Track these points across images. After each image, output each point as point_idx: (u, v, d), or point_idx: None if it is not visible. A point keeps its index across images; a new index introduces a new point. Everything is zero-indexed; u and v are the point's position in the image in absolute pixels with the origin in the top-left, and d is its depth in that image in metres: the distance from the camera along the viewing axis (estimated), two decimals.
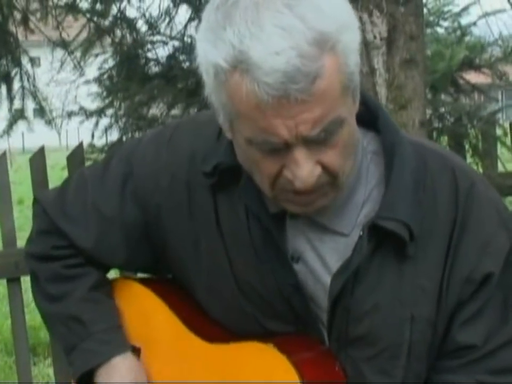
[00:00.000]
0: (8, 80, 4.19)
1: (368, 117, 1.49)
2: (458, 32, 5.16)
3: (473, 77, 4.75)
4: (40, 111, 4.45)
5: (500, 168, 4.19)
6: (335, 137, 1.31)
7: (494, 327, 1.44)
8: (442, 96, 4.68)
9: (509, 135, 4.06)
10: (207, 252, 1.54)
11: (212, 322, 1.59)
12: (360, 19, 2.88)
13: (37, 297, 1.74)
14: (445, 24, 5.39)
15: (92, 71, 4.33)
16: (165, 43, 4.27)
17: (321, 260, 1.47)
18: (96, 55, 4.37)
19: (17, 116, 4.27)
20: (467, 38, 5.21)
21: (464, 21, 5.32)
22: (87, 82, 4.31)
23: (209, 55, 1.29)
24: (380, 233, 1.41)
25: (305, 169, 1.31)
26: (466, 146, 4.17)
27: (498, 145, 4.15)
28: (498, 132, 4.18)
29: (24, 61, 4.38)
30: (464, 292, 1.43)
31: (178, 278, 1.64)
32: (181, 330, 1.60)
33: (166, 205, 1.57)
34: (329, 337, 1.48)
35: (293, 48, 1.23)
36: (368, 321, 1.44)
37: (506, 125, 4.18)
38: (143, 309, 1.69)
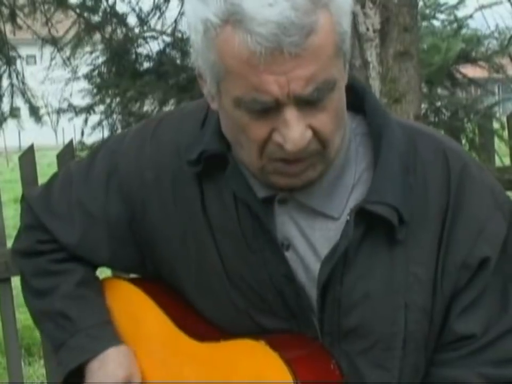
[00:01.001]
0: None
1: (356, 100, 1.46)
2: (455, 25, 5.15)
3: (469, 71, 4.74)
4: (31, 109, 4.42)
5: (498, 162, 4.16)
6: (327, 100, 1.30)
7: (493, 315, 1.41)
8: (439, 90, 4.66)
9: (506, 129, 4.03)
10: (195, 246, 1.52)
11: (203, 321, 1.57)
12: (353, 11, 2.84)
13: (25, 294, 1.73)
14: (441, 16, 5.39)
15: (82, 67, 4.30)
16: (156, 38, 4.25)
17: (311, 247, 1.44)
18: (87, 52, 4.33)
19: (7, 114, 4.24)
20: (463, 31, 5.21)
21: (460, 13, 5.33)
22: (77, 78, 4.28)
23: (199, 12, 1.27)
24: (368, 218, 1.38)
25: (296, 130, 1.29)
26: (463, 141, 4.16)
27: (496, 139, 4.12)
28: (496, 125, 4.15)
29: (15, 58, 4.36)
30: (461, 279, 1.40)
31: (167, 277, 1.61)
32: (171, 330, 1.58)
33: (151, 200, 1.55)
34: (321, 331, 1.45)
35: (286, 0, 1.21)
36: (359, 311, 1.41)
37: (504, 119, 4.14)
38: (133, 309, 1.67)
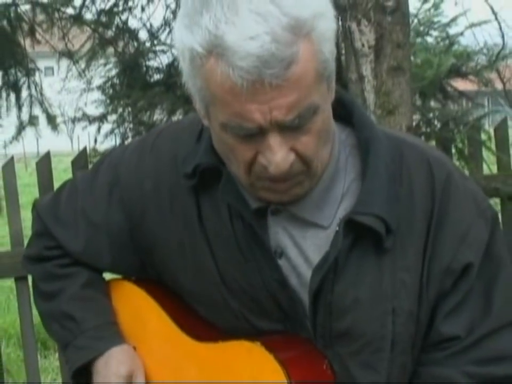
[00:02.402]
0: (16, 89, 4.16)
1: (345, 113, 1.45)
2: (447, 42, 5.14)
3: (460, 84, 4.73)
4: (48, 118, 4.42)
5: (486, 170, 4.14)
6: (309, 124, 1.27)
7: (476, 317, 1.40)
8: (432, 103, 4.64)
9: (493, 139, 4.02)
10: (192, 254, 1.50)
11: (202, 322, 1.56)
12: (349, 28, 2.85)
13: (34, 297, 1.73)
14: (434, 33, 5.38)
15: (96, 79, 4.30)
16: (165, 52, 4.24)
17: (303, 255, 1.43)
18: (101, 65, 4.33)
19: (26, 122, 4.24)
20: (454, 47, 5.19)
21: (452, 31, 5.33)
22: (91, 89, 4.27)
23: (185, 40, 1.25)
24: (356, 228, 1.36)
25: (279, 155, 1.27)
26: (453, 150, 4.14)
27: (483, 149, 4.10)
28: (484, 136, 4.13)
29: (34, 70, 4.37)
30: (445, 283, 1.39)
31: (167, 281, 1.60)
32: (173, 330, 1.57)
33: (150, 210, 1.53)
34: (314, 334, 1.43)
35: (267, 33, 1.19)
36: (350, 316, 1.40)
37: (491, 130, 4.13)
38: (136, 309, 1.66)
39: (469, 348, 1.40)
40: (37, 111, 4.27)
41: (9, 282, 3.41)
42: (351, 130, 1.47)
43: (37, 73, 4.27)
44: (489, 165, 4.24)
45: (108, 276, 1.73)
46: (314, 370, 1.43)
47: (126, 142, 3.99)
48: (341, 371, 1.43)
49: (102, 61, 4.34)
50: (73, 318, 1.62)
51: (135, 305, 1.66)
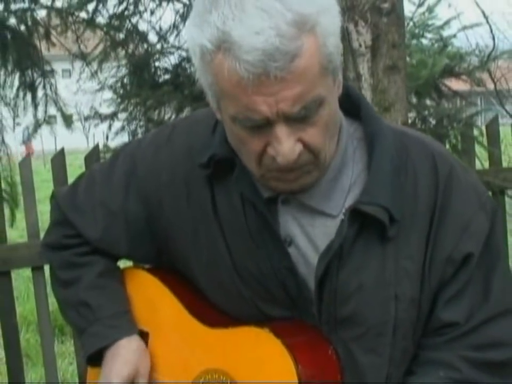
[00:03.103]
0: (32, 89, 4.19)
1: (353, 108, 1.45)
2: (441, 43, 5.15)
3: (453, 84, 4.73)
4: (63, 117, 4.45)
5: (478, 166, 4.15)
6: (315, 116, 1.27)
7: (475, 305, 1.40)
8: (427, 101, 4.65)
9: (485, 136, 4.03)
10: (206, 241, 1.50)
11: (213, 308, 1.56)
12: (347, 29, 2.86)
13: (52, 284, 1.72)
14: (429, 35, 5.40)
15: (108, 79, 4.32)
16: (173, 53, 4.26)
17: (311, 243, 1.43)
18: (113, 66, 4.36)
19: (42, 121, 4.27)
20: (448, 49, 5.20)
21: (445, 33, 5.34)
22: (103, 89, 4.30)
23: (196, 38, 1.26)
24: (362, 217, 1.36)
25: (286, 145, 1.27)
26: (447, 146, 4.14)
27: (476, 145, 4.12)
28: (476, 132, 4.15)
29: (52, 72, 4.39)
30: (446, 272, 1.39)
31: (181, 268, 1.60)
32: (185, 316, 1.57)
33: (166, 200, 1.53)
34: (319, 319, 1.43)
35: (272, 28, 1.19)
36: (354, 301, 1.40)
37: (483, 128, 4.15)
38: (149, 296, 1.66)
39: (467, 334, 1.41)
40: (53, 110, 4.30)
41: (28, 272, 3.43)
42: (358, 124, 1.47)
43: (52, 74, 4.29)
44: (482, 161, 4.25)
45: (121, 263, 1.74)
46: (320, 355, 1.43)
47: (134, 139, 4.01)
48: (345, 355, 1.43)
49: (113, 62, 4.36)
50: (89, 305, 1.62)
51: (148, 292, 1.67)
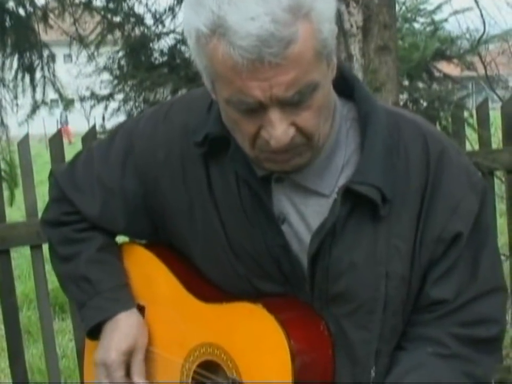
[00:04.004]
0: (31, 71, 4.15)
1: (347, 89, 1.42)
2: (432, 27, 5.12)
3: (444, 67, 4.70)
4: (60, 98, 4.41)
5: (468, 147, 4.13)
6: (309, 100, 1.25)
7: (464, 283, 1.39)
8: (419, 84, 4.62)
9: (474, 117, 4.00)
10: (201, 219, 1.48)
11: (208, 284, 1.54)
12: (338, 10, 2.80)
13: (52, 260, 1.71)
14: (421, 20, 5.37)
15: (104, 61, 4.28)
16: (169, 35, 4.22)
17: (304, 222, 1.41)
18: (110, 48, 4.32)
19: (40, 102, 4.23)
20: (439, 32, 5.17)
21: (437, 17, 5.31)
22: (100, 71, 4.25)
23: (191, 21, 1.23)
24: (354, 197, 1.35)
25: (279, 129, 1.25)
26: (438, 128, 4.10)
27: (466, 127, 4.08)
28: (466, 114, 4.11)
29: (53, 56, 4.35)
30: (436, 251, 1.38)
31: (177, 245, 1.58)
32: (180, 291, 1.55)
33: (162, 177, 1.52)
34: (312, 296, 1.42)
35: (267, 14, 1.16)
36: (345, 279, 1.39)
37: (474, 112, 4.12)
38: (146, 271, 1.64)
39: (455, 311, 1.40)
40: (52, 94, 4.27)
41: (29, 251, 3.41)
42: (352, 105, 1.45)
43: (51, 58, 4.25)
44: (472, 143, 4.23)
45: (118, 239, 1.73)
46: (312, 331, 1.43)
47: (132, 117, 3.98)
48: (336, 331, 1.43)
49: (110, 44, 4.33)
50: (89, 279, 1.61)
51: (145, 267, 1.65)
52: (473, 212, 1.40)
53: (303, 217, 1.43)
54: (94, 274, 1.62)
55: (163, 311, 1.61)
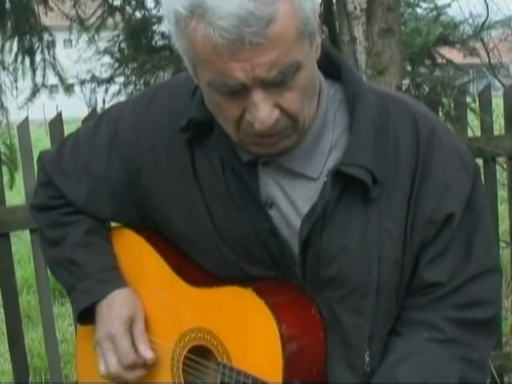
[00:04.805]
0: (31, 53, 4.11)
1: (333, 69, 1.38)
2: (435, 12, 5.09)
3: (447, 52, 4.66)
4: (60, 80, 4.37)
5: (470, 134, 4.10)
6: (292, 80, 1.21)
7: (457, 265, 1.35)
8: (422, 70, 4.59)
9: (477, 102, 3.97)
10: (187, 206, 1.45)
11: (198, 269, 1.52)
12: None
13: (41, 245, 1.69)
14: (424, 5, 5.33)
15: (105, 44, 4.25)
16: None
17: (293, 205, 1.37)
18: (110, 31, 4.28)
19: (40, 85, 4.19)
20: (442, 17, 5.14)
21: (440, 2, 5.28)
22: (101, 54, 4.22)
23: (170, 4, 1.19)
24: (344, 179, 1.31)
25: (263, 111, 1.21)
26: (440, 113, 4.08)
27: (468, 114, 4.05)
28: (469, 100, 4.08)
29: (54, 41, 4.32)
30: (428, 233, 1.34)
31: (164, 232, 1.55)
32: (170, 275, 1.53)
33: (146, 165, 1.48)
34: (303, 280, 1.38)
35: None
36: (337, 263, 1.35)
37: (476, 98, 4.09)
38: (135, 256, 1.61)
39: (450, 294, 1.37)
40: (53, 79, 4.24)
41: (29, 236, 3.39)
42: (339, 86, 1.41)
43: (51, 42, 4.21)
44: (473, 130, 4.20)
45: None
46: (303, 315, 1.40)
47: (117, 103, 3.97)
48: (329, 315, 1.40)
49: (110, 29, 4.29)
50: (77, 263, 1.59)
51: (134, 252, 1.63)
52: (465, 192, 1.37)
53: (291, 201, 1.39)
54: (82, 257, 1.59)
55: (153, 296, 1.59)
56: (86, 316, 1.59)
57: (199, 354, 1.49)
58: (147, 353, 1.54)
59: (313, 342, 1.40)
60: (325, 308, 1.40)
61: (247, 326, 1.39)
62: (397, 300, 1.40)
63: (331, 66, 1.40)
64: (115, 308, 1.55)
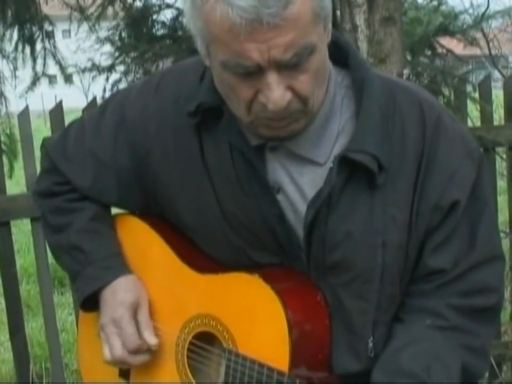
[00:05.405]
0: (31, 42, 4.09)
1: (341, 56, 1.38)
2: (435, 2, 5.08)
3: (447, 42, 4.65)
4: (61, 69, 4.35)
5: (470, 124, 4.09)
6: (307, 63, 1.21)
7: (462, 252, 1.36)
8: (422, 59, 4.57)
9: (477, 91, 3.96)
10: (195, 191, 1.44)
11: (203, 254, 1.51)
12: None
13: (45, 231, 1.68)
14: None
15: (105, 33, 4.23)
16: (171, 7, 4.17)
17: (300, 191, 1.37)
18: (111, 19, 4.27)
19: (40, 74, 4.17)
20: (443, 7, 5.13)
21: None
22: (101, 42, 4.20)
23: None
24: (350, 165, 1.31)
25: (277, 92, 1.21)
26: (441, 102, 4.06)
27: (468, 105, 4.04)
28: (469, 89, 4.07)
29: (53, 32, 4.29)
30: (433, 220, 1.34)
31: (170, 218, 1.54)
32: (175, 262, 1.52)
33: (154, 150, 1.47)
34: (308, 266, 1.38)
35: None
36: (342, 248, 1.35)
37: (476, 88, 4.07)
38: (140, 242, 1.61)
39: (453, 281, 1.37)
40: (53, 69, 4.22)
41: (29, 225, 3.38)
42: (346, 72, 1.41)
43: (52, 31, 4.19)
44: (473, 120, 4.19)
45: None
46: (308, 301, 1.40)
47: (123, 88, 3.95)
48: (333, 301, 1.40)
49: (110, 20, 4.28)
50: (82, 249, 1.58)
51: (139, 238, 1.62)
52: (470, 180, 1.37)
53: (298, 186, 1.39)
54: (87, 244, 1.58)
55: (157, 283, 1.58)
56: (89, 303, 1.59)
57: (204, 341, 1.48)
58: (151, 340, 1.53)
59: (319, 328, 1.39)
60: (329, 293, 1.40)
61: (253, 312, 1.38)
62: (400, 286, 1.40)
63: (339, 53, 1.40)
64: (119, 294, 1.55)
